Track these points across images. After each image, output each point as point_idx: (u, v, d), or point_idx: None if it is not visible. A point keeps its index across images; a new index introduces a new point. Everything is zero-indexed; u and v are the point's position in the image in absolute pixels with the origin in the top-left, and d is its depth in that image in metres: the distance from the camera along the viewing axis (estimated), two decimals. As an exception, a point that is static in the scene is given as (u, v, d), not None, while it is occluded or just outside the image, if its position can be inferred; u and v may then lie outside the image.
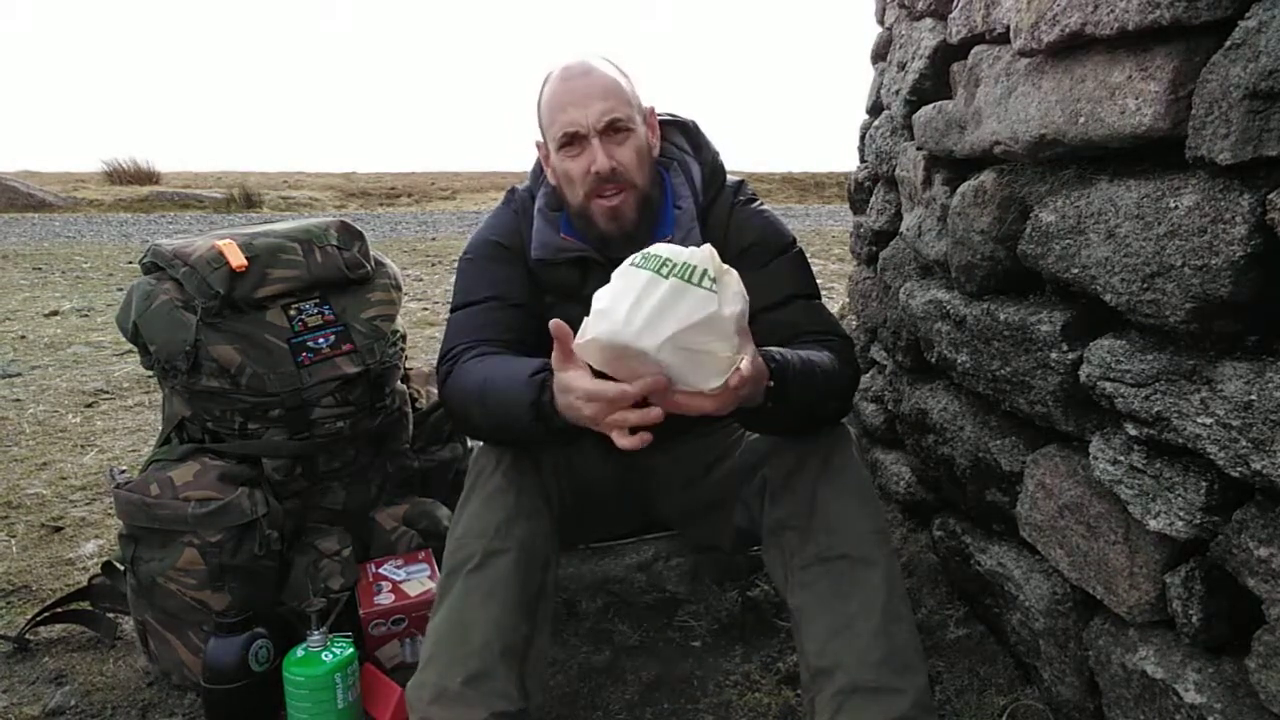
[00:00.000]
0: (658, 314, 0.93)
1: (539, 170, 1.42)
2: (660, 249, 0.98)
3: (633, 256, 0.99)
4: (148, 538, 1.43)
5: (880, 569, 1.14)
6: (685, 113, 1.47)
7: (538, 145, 1.38)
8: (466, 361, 1.24)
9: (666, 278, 0.95)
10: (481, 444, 1.32)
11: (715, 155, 1.44)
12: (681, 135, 1.43)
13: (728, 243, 1.35)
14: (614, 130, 1.26)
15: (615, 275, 1.00)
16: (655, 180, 1.34)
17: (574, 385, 1.01)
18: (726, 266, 1.00)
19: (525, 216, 1.39)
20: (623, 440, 0.99)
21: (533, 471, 1.25)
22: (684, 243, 1.32)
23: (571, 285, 1.36)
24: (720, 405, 0.98)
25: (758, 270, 1.34)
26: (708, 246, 0.99)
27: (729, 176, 1.44)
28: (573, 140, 1.26)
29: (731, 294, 0.97)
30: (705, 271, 0.95)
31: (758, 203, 1.42)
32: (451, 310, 1.36)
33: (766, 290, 1.31)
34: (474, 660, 1.10)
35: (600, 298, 0.99)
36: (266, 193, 13.79)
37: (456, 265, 1.43)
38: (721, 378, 0.96)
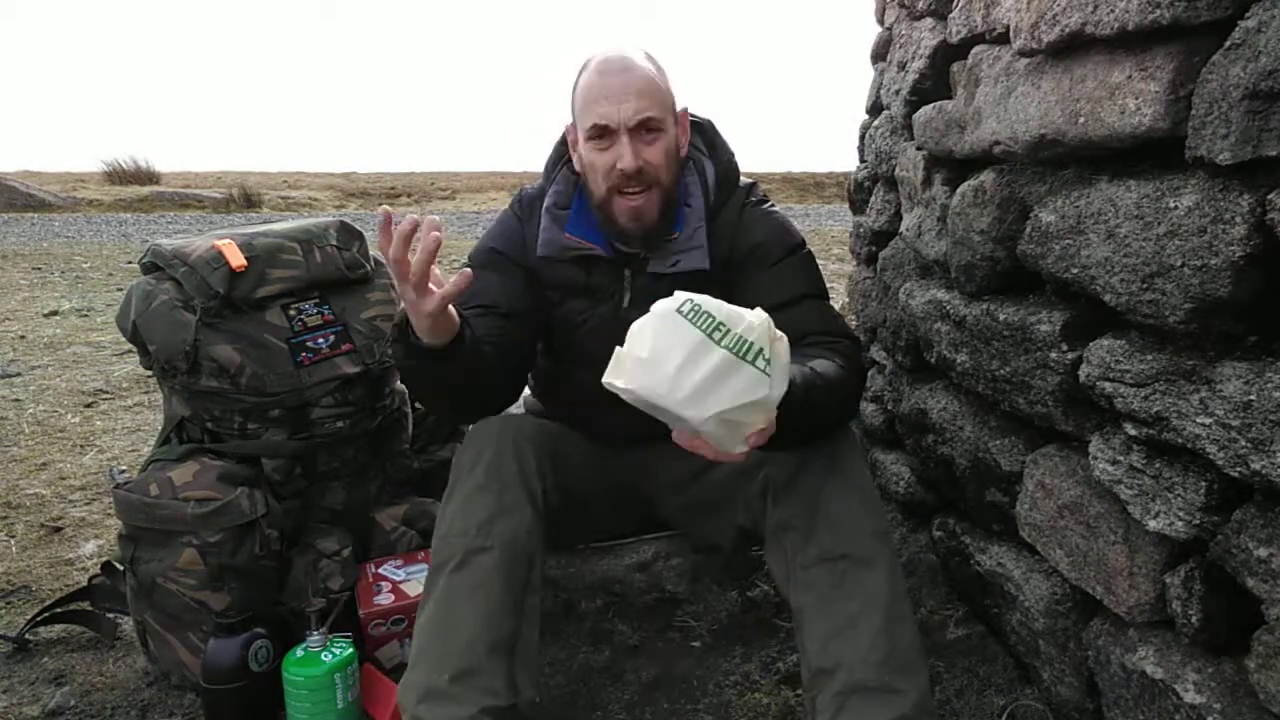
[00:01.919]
0: (708, 387, 0.91)
1: (551, 167, 1.43)
2: (708, 304, 0.94)
3: (676, 300, 0.95)
4: (147, 538, 1.43)
5: (882, 569, 1.14)
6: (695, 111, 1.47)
7: (567, 129, 1.38)
8: None
9: (719, 344, 0.91)
10: (463, 441, 1.32)
11: (730, 156, 1.44)
12: (697, 134, 1.43)
13: (737, 243, 1.36)
14: (645, 130, 1.26)
15: (657, 319, 0.95)
16: (678, 180, 1.34)
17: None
18: (779, 334, 0.96)
19: (530, 220, 1.41)
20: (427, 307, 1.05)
21: (514, 467, 1.25)
22: (689, 240, 1.33)
23: (574, 281, 1.37)
24: (740, 460, 0.99)
25: (766, 270, 1.34)
26: (761, 314, 0.95)
27: (741, 178, 1.44)
28: (603, 134, 1.26)
29: (780, 369, 0.95)
30: (761, 351, 0.92)
31: (769, 204, 1.42)
32: None
33: (775, 290, 1.31)
34: (460, 658, 1.10)
35: (639, 340, 0.95)
36: (266, 193, 13.78)
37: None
38: (747, 444, 0.96)
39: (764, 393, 0.92)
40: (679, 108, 1.36)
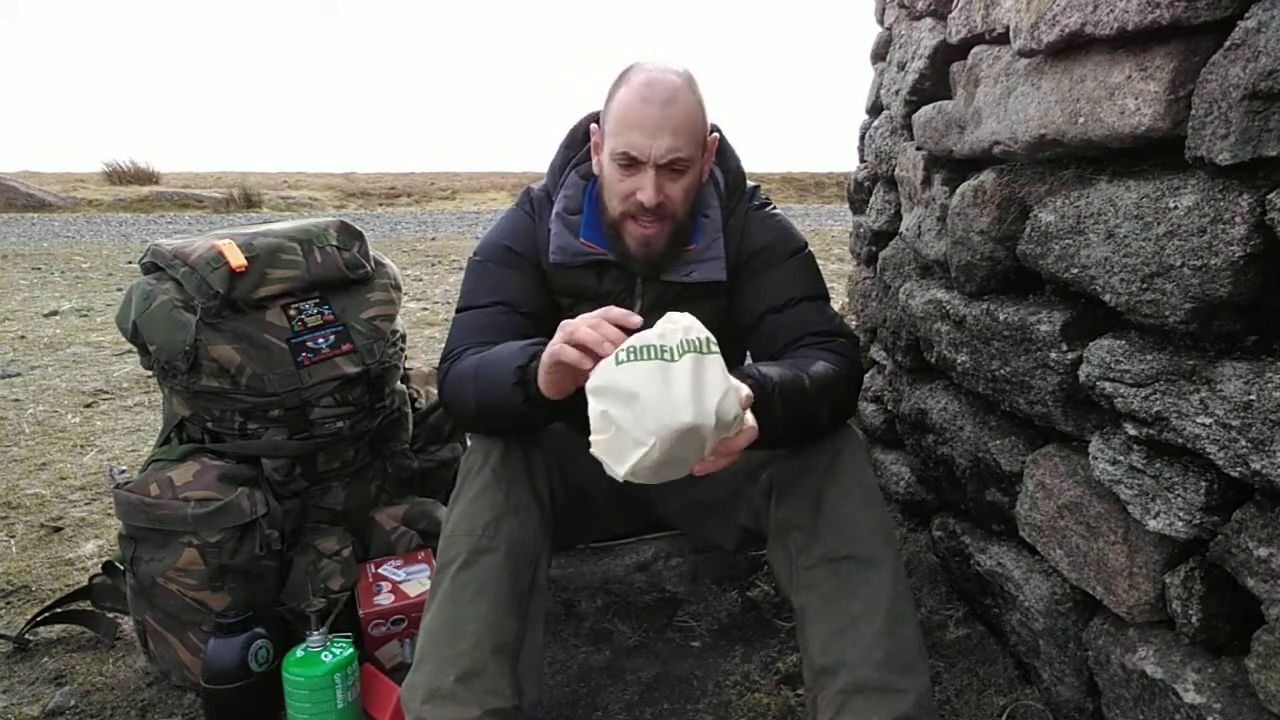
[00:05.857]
0: (694, 390, 0.90)
1: (558, 170, 1.41)
2: (634, 341, 0.93)
3: (611, 361, 0.93)
4: (147, 538, 1.43)
5: (885, 569, 1.14)
6: None
7: (594, 131, 1.34)
8: (467, 356, 1.25)
9: (677, 359, 0.90)
10: (472, 442, 1.32)
11: (738, 163, 1.43)
12: None
13: (742, 247, 1.36)
14: (673, 168, 1.24)
15: (614, 379, 0.93)
16: (692, 210, 1.33)
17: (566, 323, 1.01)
18: (674, 316, 0.95)
19: (541, 219, 1.39)
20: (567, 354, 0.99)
21: (522, 468, 1.25)
22: (706, 250, 1.33)
23: (587, 287, 1.36)
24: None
25: (767, 272, 1.34)
26: (675, 317, 0.95)
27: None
28: (630, 162, 1.24)
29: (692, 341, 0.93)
30: (706, 339, 0.92)
31: (771, 207, 1.42)
32: (457, 311, 1.37)
33: (773, 292, 1.32)
34: (465, 659, 1.11)
35: (617, 411, 0.92)
36: (266, 193, 13.79)
37: (465, 266, 1.42)
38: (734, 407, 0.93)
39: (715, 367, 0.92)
40: (710, 135, 1.32)
